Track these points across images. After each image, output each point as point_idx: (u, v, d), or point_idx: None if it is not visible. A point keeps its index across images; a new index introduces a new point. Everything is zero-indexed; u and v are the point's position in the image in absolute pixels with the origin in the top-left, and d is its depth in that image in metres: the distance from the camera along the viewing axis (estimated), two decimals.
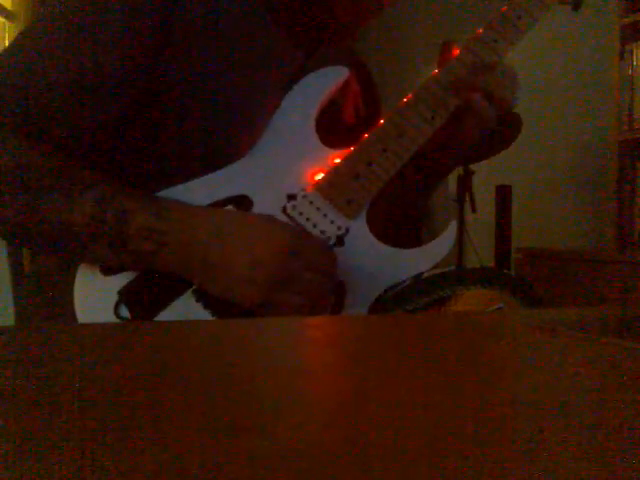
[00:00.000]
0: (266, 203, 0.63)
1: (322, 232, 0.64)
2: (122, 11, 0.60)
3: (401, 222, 0.85)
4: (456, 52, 0.70)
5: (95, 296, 0.59)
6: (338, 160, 0.66)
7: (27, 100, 0.58)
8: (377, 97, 0.88)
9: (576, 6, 0.75)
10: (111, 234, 0.56)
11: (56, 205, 0.55)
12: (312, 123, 0.68)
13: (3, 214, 0.56)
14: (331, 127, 0.70)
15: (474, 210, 1.99)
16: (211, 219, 0.59)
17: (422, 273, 0.69)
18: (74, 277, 0.59)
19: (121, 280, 0.59)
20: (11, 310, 0.74)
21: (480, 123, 0.71)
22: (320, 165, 0.66)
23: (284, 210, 0.64)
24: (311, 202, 0.64)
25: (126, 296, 0.58)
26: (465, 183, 1.96)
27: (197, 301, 0.59)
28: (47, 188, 0.56)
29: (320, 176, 0.66)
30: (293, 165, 0.66)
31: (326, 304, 0.62)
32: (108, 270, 0.59)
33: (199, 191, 0.62)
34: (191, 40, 0.63)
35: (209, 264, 0.57)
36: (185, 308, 0.59)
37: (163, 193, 0.61)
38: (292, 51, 0.72)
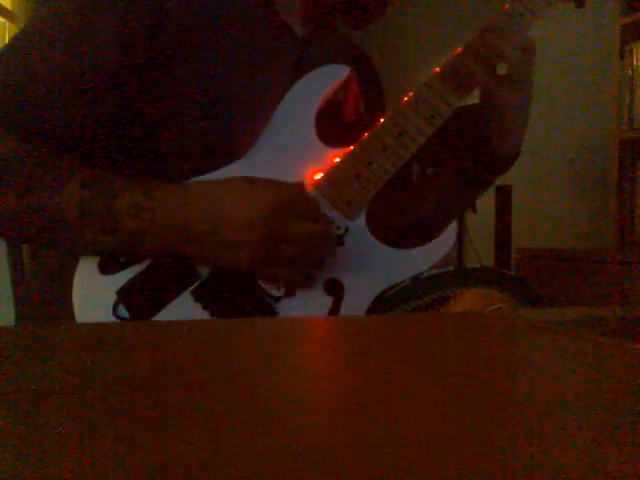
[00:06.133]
0: None
1: None
2: (116, 6, 0.60)
3: (402, 222, 0.84)
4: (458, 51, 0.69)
5: (94, 296, 0.59)
6: (338, 159, 0.66)
7: (23, 98, 0.59)
8: (380, 86, 0.87)
9: (580, 3, 0.75)
10: (100, 216, 0.56)
11: (45, 194, 0.56)
12: (312, 122, 0.68)
13: None
14: (331, 126, 0.70)
15: (474, 210, 1.99)
16: (196, 191, 0.60)
17: (422, 273, 0.69)
18: (73, 277, 0.59)
19: (120, 280, 0.59)
20: (11, 310, 0.74)
21: (517, 80, 0.70)
22: (319, 164, 0.66)
23: None
24: None
25: (125, 296, 0.58)
26: None
27: (196, 301, 0.59)
28: (35, 179, 0.56)
29: (319, 175, 0.65)
30: (292, 164, 0.66)
31: (323, 251, 0.62)
32: (107, 269, 0.59)
33: None
34: (189, 37, 0.63)
35: (199, 235, 0.58)
36: (184, 308, 0.59)
37: None
38: (290, 44, 0.72)
